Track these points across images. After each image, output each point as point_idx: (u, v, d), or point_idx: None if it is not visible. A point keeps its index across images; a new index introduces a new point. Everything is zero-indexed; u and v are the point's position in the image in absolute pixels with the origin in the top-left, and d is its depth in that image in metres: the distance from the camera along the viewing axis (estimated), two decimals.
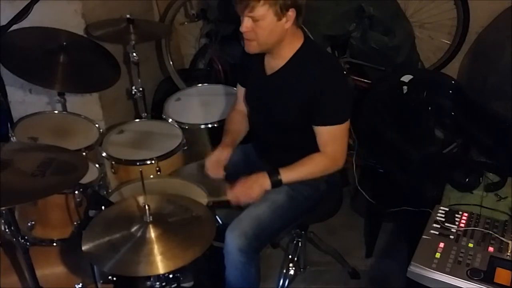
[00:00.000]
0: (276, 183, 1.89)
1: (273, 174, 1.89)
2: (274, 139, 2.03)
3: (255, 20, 1.76)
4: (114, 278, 1.85)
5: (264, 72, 1.96)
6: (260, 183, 1.89)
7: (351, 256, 2.60)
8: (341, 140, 1.90)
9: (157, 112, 2.91)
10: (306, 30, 1.94)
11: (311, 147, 1.91)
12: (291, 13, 1.77)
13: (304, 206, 2.01)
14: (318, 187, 2.00)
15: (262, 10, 1.73)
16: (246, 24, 1.78)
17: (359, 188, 2.46)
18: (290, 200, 1.96)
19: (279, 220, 1.94)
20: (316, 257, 2.58)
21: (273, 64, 1.92)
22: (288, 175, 1.90)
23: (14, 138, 2.25)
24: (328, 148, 1.89)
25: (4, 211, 1.76)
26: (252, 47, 1.85)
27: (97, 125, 2.45)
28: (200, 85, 2.88)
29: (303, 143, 1.95)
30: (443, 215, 1.77)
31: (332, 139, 1.88)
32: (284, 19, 1.77)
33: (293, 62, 1.88)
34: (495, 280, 1.51)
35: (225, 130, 2.15)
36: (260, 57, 1.96)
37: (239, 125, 2.16)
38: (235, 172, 2.11)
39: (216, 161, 2.02)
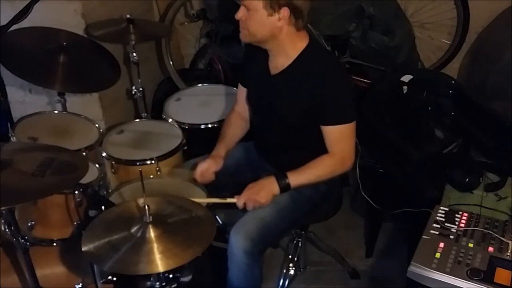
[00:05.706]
0: (285, 188, 1.88)
1: (281, 178, 1.88)
2: (275, 139, 2.03)
3: (248, 9, 1.82)
4: (114, 278, 1.85)
5: (268, 72, 1.96)
6: (268, 188, 1.87)
7: (351, 256, 2.60)
8: (349, 139, 1.90)
9: (157, 112, 2.91)
10: (313, 32, 1.94)
11: (313, 147, 1.91)
12: (284, 12, 1.79)
13: (306, 207, 2.01)
14: (317, 187, 2.00)
15: (254, 2, 1.79)
16: (241, 12, 1.85)
17: (363, 194, 2.45)
18: (293, 201, 1.95)
19: (283, 221, 1.94)
20: (316, 257, 2.58)
21: (277, 64, 1.93)
22: (296, 178, 1.88)
23: (14, 138, 2.25)
24: (336, 148, 1.89)
25: (4, 211, 1.75)
26: (244, 36, 1.89)
27: (97, 125, 2.44)
28: (200, 85, 2.88)
29: (304, 144, 1.95)
30: (443, 215, 1.77)
31: (339, 138, 1.88)
32: (276, 16, 1.80)
33: (298, 62, 1.88)
34: (495, 280, 1.51)
35: (221, 134, 2.15)
36: (264, 57, 1.96)
37: (236, 129, 2.16)
38: (237, 169, 2.12)
39: (207, 170, 2.02)
